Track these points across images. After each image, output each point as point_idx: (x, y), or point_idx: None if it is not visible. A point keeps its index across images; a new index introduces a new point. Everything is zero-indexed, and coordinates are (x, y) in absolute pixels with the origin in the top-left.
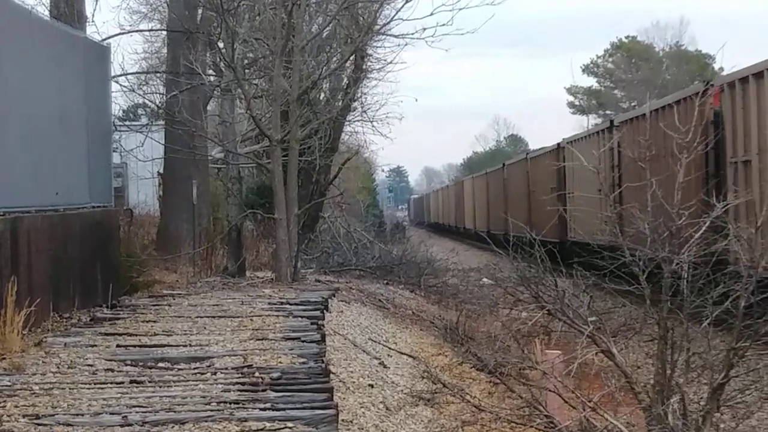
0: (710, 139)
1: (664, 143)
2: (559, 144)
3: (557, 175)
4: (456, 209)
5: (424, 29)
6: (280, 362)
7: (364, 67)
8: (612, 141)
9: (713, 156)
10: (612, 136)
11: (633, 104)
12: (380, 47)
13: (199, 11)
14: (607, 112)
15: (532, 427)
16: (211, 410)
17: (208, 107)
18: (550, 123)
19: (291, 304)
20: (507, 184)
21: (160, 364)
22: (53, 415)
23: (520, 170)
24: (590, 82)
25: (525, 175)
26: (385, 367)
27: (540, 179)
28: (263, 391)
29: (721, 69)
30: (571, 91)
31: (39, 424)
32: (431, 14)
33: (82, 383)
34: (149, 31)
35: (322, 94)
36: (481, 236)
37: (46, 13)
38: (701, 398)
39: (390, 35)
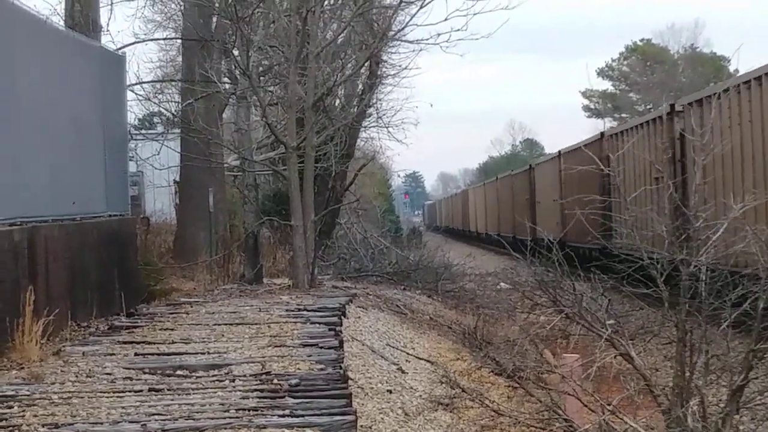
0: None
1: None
2: (560, 152)
3: (558, 182)
4: (462, 214)
5: (439, 35)
6: (299, 369)
7: (379, 73)
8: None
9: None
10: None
11: (649, 107)
12: (395, 53)
13: (214, 19)
14: (623, 115)
15: (551, 431)
16: (230, 417)
17: (224, 115)
18: (566, 127)
19: (308, 311)
20: (513, 191)
21: (179, 372)
22: (72, 424)
23: (523, 178)
24: (605, 85)
25: (528, 182)
26: (403, 372)
27: (542, 187)
28: (282, 397)
29: (737, 71)
30: (587, 94)
31: None
32: (445, 19)
33: (100, 392)
34: (164, 39)
35: (338, 101)
36: (488, 238)
37: (61, 22)
38: (720, 400)
39: (405, 41)
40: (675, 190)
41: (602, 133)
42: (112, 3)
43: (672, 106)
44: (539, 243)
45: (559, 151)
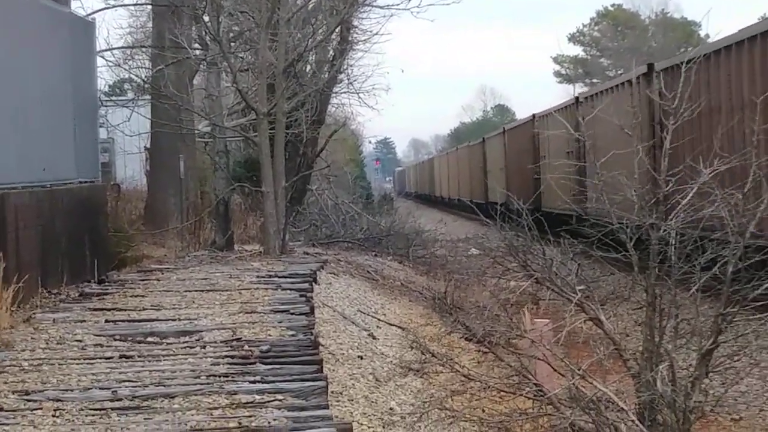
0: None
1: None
2: (535, 115)
3: (532, 147)
4: (429, 181)
5: (409, 0)
6: (270, 335)
7: (349, 38)
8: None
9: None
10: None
11: (620, 72)
12: (366, 19)
13: None
14: (594, 80)
15: (521, 395)
16: (201, 384)
17: (194, 81)
18: (537, 92)
19: (279, 277)
20: (471, 160)
21: (149, 339)
22: (43, 391)
23: (478, 149)
24: (576, 50)
25: (482, 153)
26: (374, 338)
27: (492, 157)
28: (252, 364)
29: (707, 36)
30: (558, 60)
31: (29, 400)
32: None
33: (71, 359)
34: (134, 5)
35: (308, 67)
36: (451, 202)
37: None
38: (690, 365)
39: (375, 6)
40: (647, 154)
41: (577, 97)
42: None
43: (577, 98)
44: (491, 205)
45: (503, 128)
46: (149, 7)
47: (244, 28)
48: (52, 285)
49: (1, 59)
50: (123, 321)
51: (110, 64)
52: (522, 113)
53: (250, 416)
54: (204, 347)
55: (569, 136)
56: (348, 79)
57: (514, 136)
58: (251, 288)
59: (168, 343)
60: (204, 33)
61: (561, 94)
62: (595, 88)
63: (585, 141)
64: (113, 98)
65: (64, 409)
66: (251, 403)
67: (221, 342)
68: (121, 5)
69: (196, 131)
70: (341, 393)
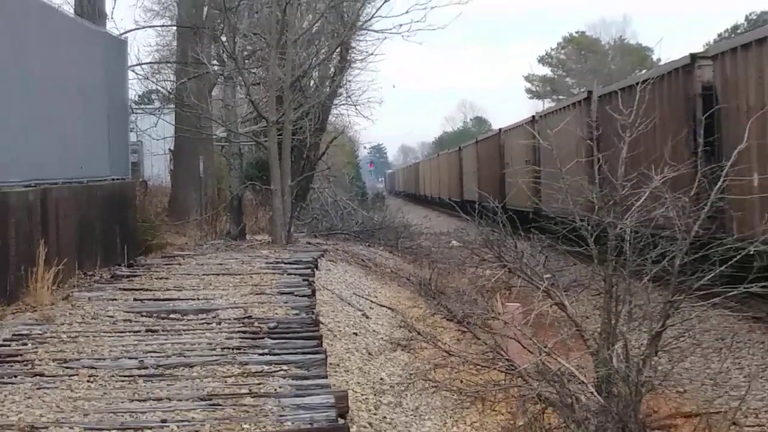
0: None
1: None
2: (501, 129)
3: (498, 155)
4: (415, 182)
5: (401, 25)
6: (276, 314)
7: (348, 58)
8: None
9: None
10: (534, 125)
11: (582, 90)
12: (362, 41)
13: (205, 9)
14: (560, 96)
15: (495, 369)
16: (217, 355)
17: (213, 93)
18: (511, 106)
19: (285, 264)
20: (449, 165)
21: (172, 316)
22: (79, 360)
23: (455, 156)
24: (545, 71)
25: (458, 159)
26: (367, 317)
27: (466, 162)
28: (261, 338)
29: (659, 59)
30: (529, 78)
31: (67, 368)
32: (407, 12)
33: (103, 332)
34: (161, 26)
35: (312, 82)
36: (438, 200)
37: (71, 11)
38: (642, 344)
39: (371, 30)
40: (605, 163)
41: (533, 116)
42: None
43: (533, 117)
44: (466, 203)
45: (476, 139)
46: (174, 27)
47: (257, 47)
48: (88, 268)
49: (45, 72)
50: (149, 300)
51: (140, 77)
52: (497, 124)
53: (259, 384)
54: (219, 323)
55: (527, 147)
56: (346, 93)
57: (484, 145)
58: (261, 272)
59: (188, 320)
60: (222, 51)
61: (531, 108)
62: (548, 109)
63: (539, 151)
64: (142, 106)
65: (97, 376)
66: (260, 372)
67: (234, 319)
68: (150, 26)
69: (214, 136)
70: (338, 365)
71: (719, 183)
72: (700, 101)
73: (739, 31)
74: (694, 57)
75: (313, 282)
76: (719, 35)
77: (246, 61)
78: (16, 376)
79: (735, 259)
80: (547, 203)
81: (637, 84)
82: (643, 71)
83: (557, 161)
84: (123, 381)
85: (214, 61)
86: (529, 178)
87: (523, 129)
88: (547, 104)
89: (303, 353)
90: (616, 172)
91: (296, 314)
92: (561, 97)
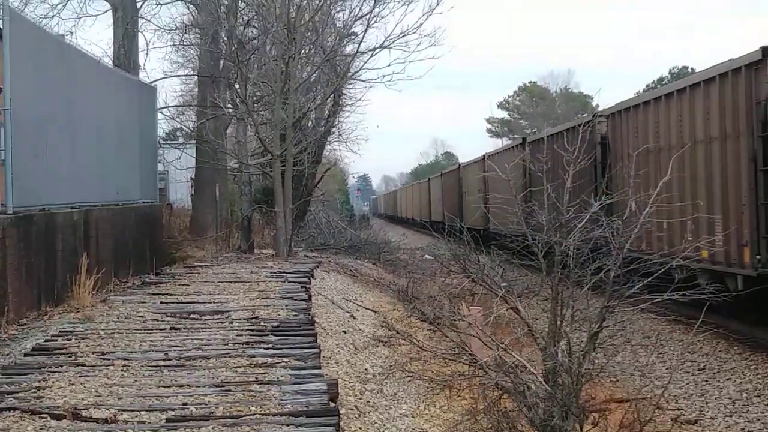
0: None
1: (556, 159)
2: (460, 164)
3: (458, 185)
4: (393, 206)
5: (384, 76)
6: (279, 315)
7: (340, 103)
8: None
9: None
10: (484, 163)
11: (534, 130)
12: (352, 89)
13: (221, 61)
14: (515, 136)
15: (460, 362)
16: (229, 349)
17: (227, 131)
18: (474, 143)
19: (287, 273)
20: (420, 192)
21: (192, 316)
22: (114, 352)
23: (425, 185)
24: (503, 114)
25: (428, 187)
26: (354, 318)
27: (434, 190)
28: (266, 335)
29: (598, 105)
30: (489, 121)
31: (104, 359)
32: (389, 65)
33: (135, 329)
34: (185, 76)
35: (310, 122)
36: (413, 221)
37: (110, 62)
38: (582, 342)
39: (359, 80)
40: (521, 197)
41: (459, 165)
42: (147, 48)
43: (459, 165)
44: (434, 223)
45: (441, 172)
46: (196, 77)
47: (264, 93)
48: (122, 276)
49: (88, 113)
50: (173, 302)
51: (167, 117)
52: (463, 158)
53: (264, 373)
54: (231, 323)
55: (479, 179)
56: (338, 132)
57: (447, 177)
58: (266, 280)
59: (205, 319)
60: (235, 96)
61: (492, 145)
62: (494, 150)
63: (487, 182)
64: (169, 142)
65: (129, 366)
66: (265, 363)
67: (244, 319)
68: (176, 75)
69: (228, 167)
70: (330, 358)
71: (625, 208)
72: (599, 147)
73: (664, 82)
74: (595, 114)
75: (310, 288)
76: (647, 85)
77: (255, 104)
78: (61, 366)
79: (659, 272)
80: (494, 224)
81: (558, 134)
82: (584, 114)
83: (498, 191)
84: (151, 370)
85: (229, 105)
86: (481, 203)
87: (477, 165)
88: (504, 142)
89: (301, 348)
90: (543, 201)
91: (295, 315)
92: (515, 136)
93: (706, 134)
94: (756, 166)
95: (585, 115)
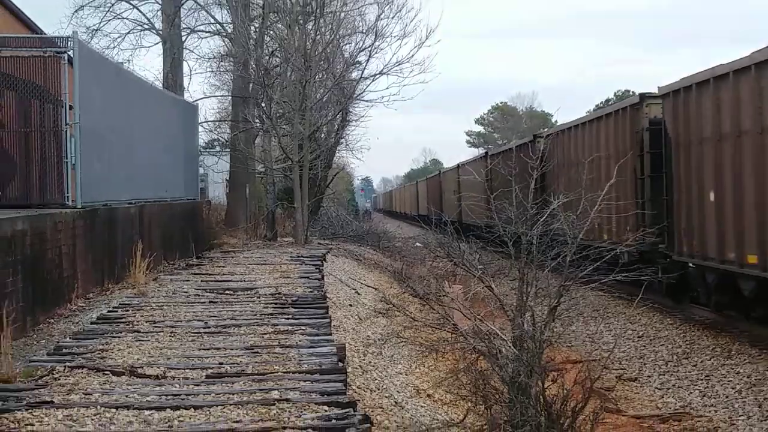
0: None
1: (522, 165)
2: (440, 171)
3: (439, 187)
4: (390, 202)
5: (383, 97)
6: (297, 291)
7: (347, 119)
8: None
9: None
10: (458, 170)
11: (504, 141)
12: (357, 107)
13: (251, 85)
14: (489, 146)
15: (444, 330)
16: (257, 319)
17: (256, 141)
18: (457, 152)
19: (303, 257)
20: (410, 191)
21: (227, 292)
22: (163, 321)
23: (413, 186)
24: (479, 128)
25: (416, 189)
26: (358, 294)
27: (422, 191)
28: (287, 308)
29: (557, 121)
30: (468, 133)
31: (155, 327)
32: (387, 88)
33: (180, 303)
34: (221, 96)
35: (323, 134)
36: (406, 215)
37: (160, 85)
38: (544, 314)
39: (363, 100)
40: (485, 198)
41: (439, 171)
42: (190, 74)
43: (486, 152)
44: (422, 216)
45: (426, 177)
46: (230, 97)
47: (285, 111)
48: (170, 259)
49: (143, 127)
50: (211, 281)
51: (206, 130)
52: (447, 164)
53: (286, 338)
54: (259, 297)
55: (455, 182)
56: (345, 142)
57: (431, 181)
58: (287, 263)
59: (237, 295)
60: (261, 113)
61: (469, 154)
62: (465, 160)
63: (460, 185)
64: (208, 150)
65: (176, 332)
66: (286, 330)
67: (269, 294)
68: (213, 96)
69: (256, 171)
70: (338, 326)
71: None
72: (538, 161)
73: (610, 102)
74: (535, 135)
75: (322, 270)
76: (596, 105)
77: (278, 120)
78: (121, 332)
79: (606, 257)
80: (466, 216)
81: (508, 150)
82: (544, 129)
83: (468, 191)
84: (193, 336)
85: (257, 120)
86: (455, 201)
87: (453, 171)
88: (480, 151)
89: (315, 318)
90: (501, 200)
91: (311, 291)
92: (489, 146)
93: (607, 152)
94: (636, 176)
95: (523, 139)
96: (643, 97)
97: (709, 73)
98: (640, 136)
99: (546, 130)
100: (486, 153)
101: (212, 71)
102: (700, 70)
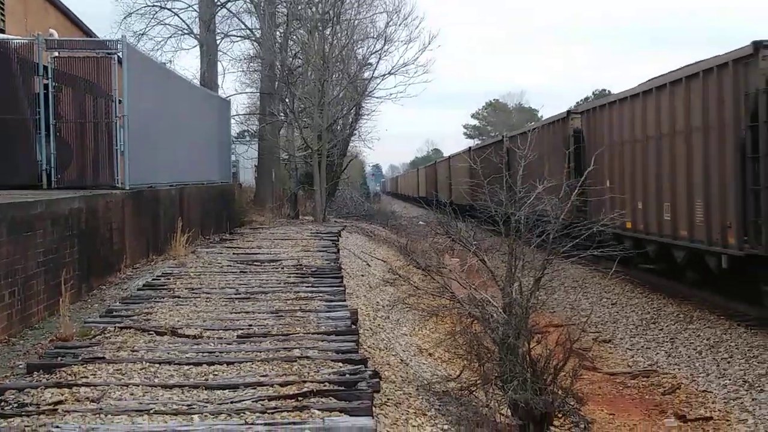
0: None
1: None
2: (436, 161)
3: (435, 174)
4: (397, 186)
5: (391, 94)
6: (316, 263)
7: (360, 113)
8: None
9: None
10: (449, 161)
11: (497, 133)
12: (368, 102)
13: (276, 83)
14: (483, 137)
15: (444, 298)
16: (281, 287)
17: (281, 132)
18: (455, 141)
19: (322, 233)
20: (413, 177)
21: (255, 263)
22: (200, 288)
23: (415, 172)
24: (475, 122)
25: (416, 174)
26: (369, 266)
27: (422, 176)
28: (307, 277)
29: (542, 115)
30: (465, 127)
31: (193, 293)
32: (395, 87)
33: (215, 272)
34: (250, 92)
35: (339, 127)
36: (410, 197)
37: (197, 82)
38: (530, 283)
39: (373, 97)
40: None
41: (449, 156)
42: (224, 72)
43: (470, 147)
44: (422, 198)
45: (426, 165)
46: (258, 93)
47: (306, 106)
48: (206, 234)
49: (184, 121)
50: (242, 254)
51: (238, 122)
52: (446, 153)
53: (306, 303)
54: (283, 268)
55: (446, 170)
56: (359, 134)
57: (429, 169)
58: (307, 238)
59: (264, 266)
60: (286, 108)
61: (466, 144)
62: (455, 153)
63: (451, 172)
64: (239, 140)
65: (211, 298)
66: (307, 297)
67: (291, 266)
68: (244, 92)
69: (281, 158)
70: (351, 294)
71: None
72: (506, 157)
73: (589, 99)
74: (503, 137)
75: (338, 244)
76: (577, 102)
77: (300, 114)
78: (163, 298)
79: (585, 234)
80: (456, 198)
81: (486, 146)
82: (531, 122)
83: (457, 178)
84: (226, 301)
85: (281, 113)
86: (447, 185)
87: (445, 162)
88: (475, 142)
89: (331, 286)
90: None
91: (328, 263)
92: (483, 137)
93: (549, 149)
94: (569, 168)
95: (498, 134)
96: (569, 112)
97: (604, 100)
98: (568, 140)
99: (507, 133)
100: (469, 148)
101: (243, 71)
102: (602, 97)
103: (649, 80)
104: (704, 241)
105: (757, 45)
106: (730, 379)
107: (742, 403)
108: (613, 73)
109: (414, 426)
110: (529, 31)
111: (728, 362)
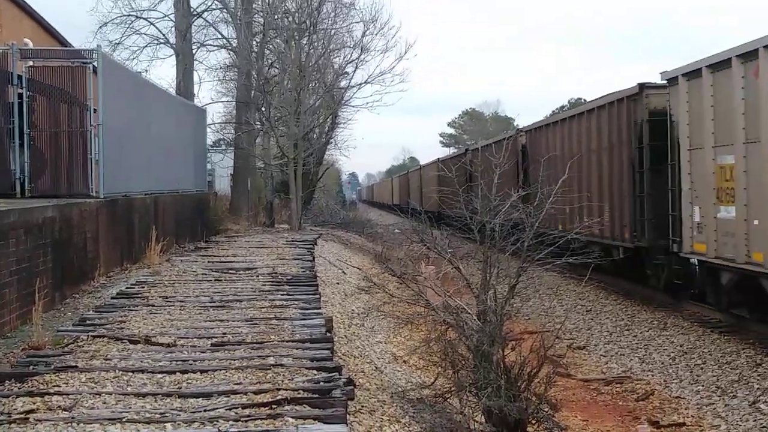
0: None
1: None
2: (408, 170)
3: (407, 183)
4: (373, 194)
5: (367, 103)
6: (292, 270)
7: (336, 121)
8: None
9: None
10: (420, 171)
11: (472, 142)
12: (345, 111)
13: (252, 92)
14: (459, 146)
15: (419, 305)
16: (256, 295)
17: (257, 141)
18: (431, 150)
19: (297, 241)
20: (386, 185)
21: (230, 271)
22: (174, 297)
23: (389, 181)
24: (451, 130)
25: (390, 183)
26: (344, 273)
27: (395, 185)
28: (282, 285)
29: (518, 124)
30: (442, 135)
31: (167, 301)
32: (371, 96)
33: (189, 280)
34: (226, 101)
35: (315, 135)
36: (385, 205)
37: (173, 91)
38: (505, 291)
39: (349, 106)
40: (482, 186)
41: (408, 170)
42: (200, 82)
43: (438, 158)
44: (395, 205)
45: (399, 175)
46: (234, 102)
47: (282, 114)
48: (181, 242)
49: (159, 129)
50: (217, 262)
51: (213, 130)
52: (422, 161)
53: (281, 311)
54: (258, 276)
55: (418, 179)
56: (335, 142)
57: (403, 178)
58: (283, 246)
59: (239, 274)
60: (262, 116)
61: (442, 152)
62: (425, 164)
63: (422, 181)
64: (215, 148)
65: (185, 306)
66: (282, 305)
67: (267, 273)
68: (220, 101)
69: (256, 166)
70: (327, 301)
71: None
72: (469, 168)
73: (565, 109)
74: (466, 149)
75: (313, 252)
76: (552, 111)
77: (276, 122)
78: (137, 306)
79: (558, 243)
80: (428, 206)
81: (453, 157)
82: (507, 130)
83: (428, 187)
84: (201, 309)
85: (257, 122)
86: (418, 193)
87: (417, 171)
88: (452, 150)
89: (307, 294)
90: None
91: (303, 271)
92: (460, 146)
93: (506, 161)
94: (517, 178)
95: (462, 147)
96: (518, 130)
97: (543, 122)
98: (518, 154)
99: (472, 143)
100: (438, 159)
101: (219, 80)
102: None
103: (573, 108)
104: (610, 237)
105: (642, 86)
106: (703, 385)
107: (714, 409)
108: (595, 77)
109: None
110: (520, 32)
111: (701, 368)
